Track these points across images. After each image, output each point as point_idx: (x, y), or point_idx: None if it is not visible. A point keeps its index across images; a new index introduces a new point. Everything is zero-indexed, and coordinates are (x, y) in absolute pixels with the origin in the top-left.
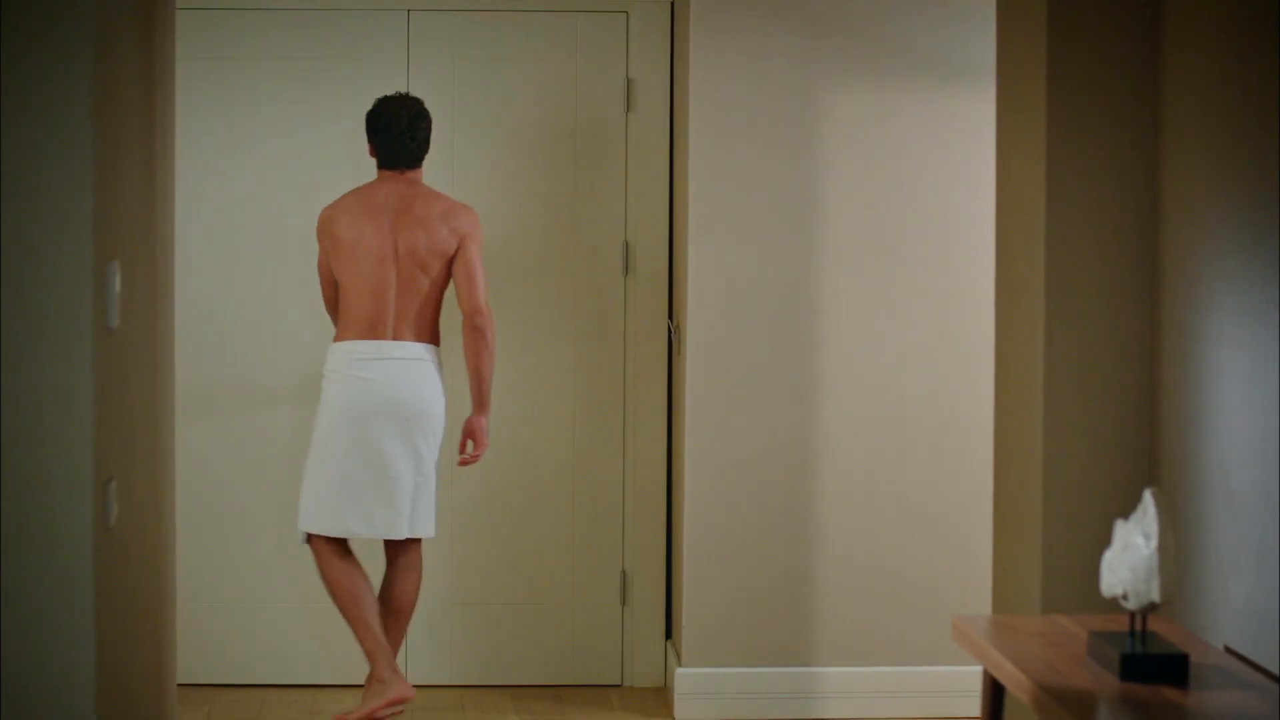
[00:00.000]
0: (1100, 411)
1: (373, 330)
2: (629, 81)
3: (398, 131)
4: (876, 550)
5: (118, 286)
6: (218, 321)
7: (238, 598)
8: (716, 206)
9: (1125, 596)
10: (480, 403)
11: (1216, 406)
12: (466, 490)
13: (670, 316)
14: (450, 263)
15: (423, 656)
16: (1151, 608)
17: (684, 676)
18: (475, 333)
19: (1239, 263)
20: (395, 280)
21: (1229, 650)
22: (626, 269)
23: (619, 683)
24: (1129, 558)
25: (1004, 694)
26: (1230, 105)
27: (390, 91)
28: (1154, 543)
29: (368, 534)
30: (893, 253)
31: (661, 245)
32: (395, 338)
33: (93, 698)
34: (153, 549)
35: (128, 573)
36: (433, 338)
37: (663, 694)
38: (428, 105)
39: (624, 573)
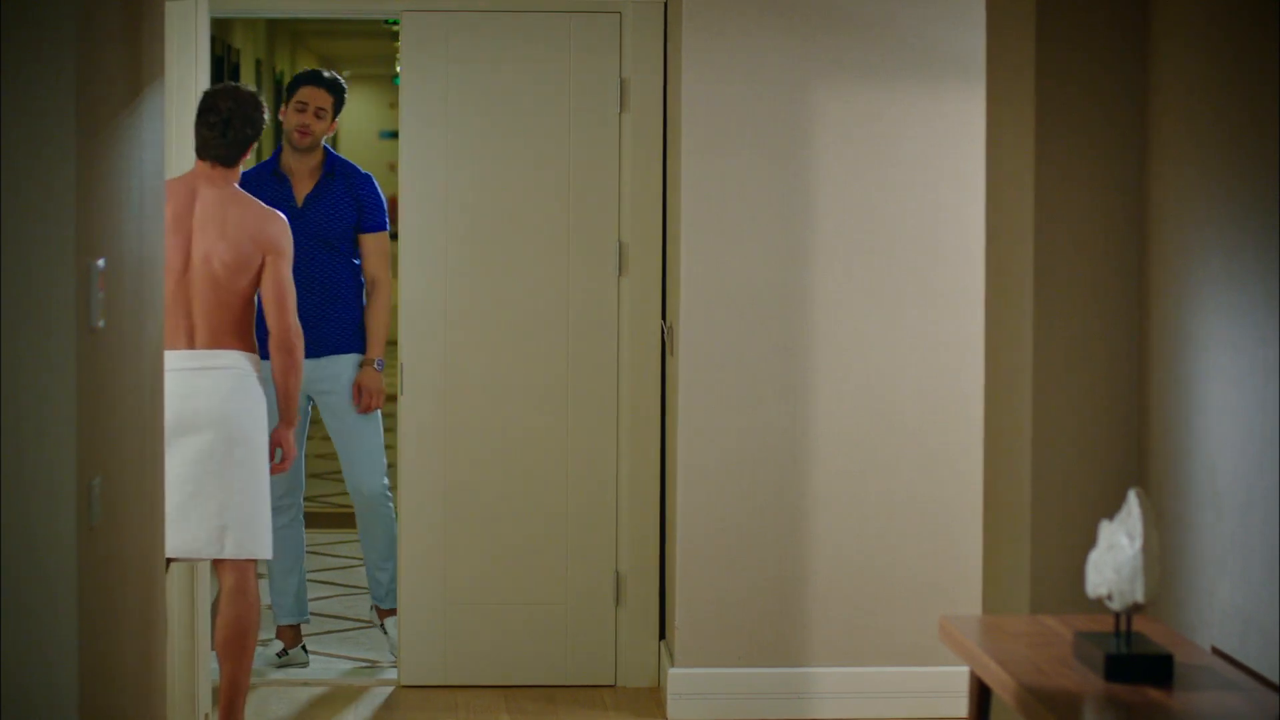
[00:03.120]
0: (1088, 411)
1: (182, 338)
2: (623, 81)
3: (209, 123)
4: (868, 550)
5: (101, 287)
6: None
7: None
8: (709, 206)
9: (1110, 597)
10: (286, 416)
11: (1204, 407)
12: (459, 490)
13: (663, 317)
14: (257, 276)
15: (415, 656)
16: (1136, 608)
17: (677, 676)
18: (284, 353)
19: (1227, 263)
20: (193, 291)
21: (1216, 651)
22: (620, 269)
23: (612, 683)
24: (1113, 558)
25: (990, 695)
26: (1220, 104)
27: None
28: (1138, 543)
29: (175, 553)
30: (884, 252)
31: (655, 245)
32: (197, 345)
33: (76, 702)
34: (139, 550)
35: (113, 574)
36: (245, 345)
37: (655, 694)
38: (421, 104)
39: (618, 573)
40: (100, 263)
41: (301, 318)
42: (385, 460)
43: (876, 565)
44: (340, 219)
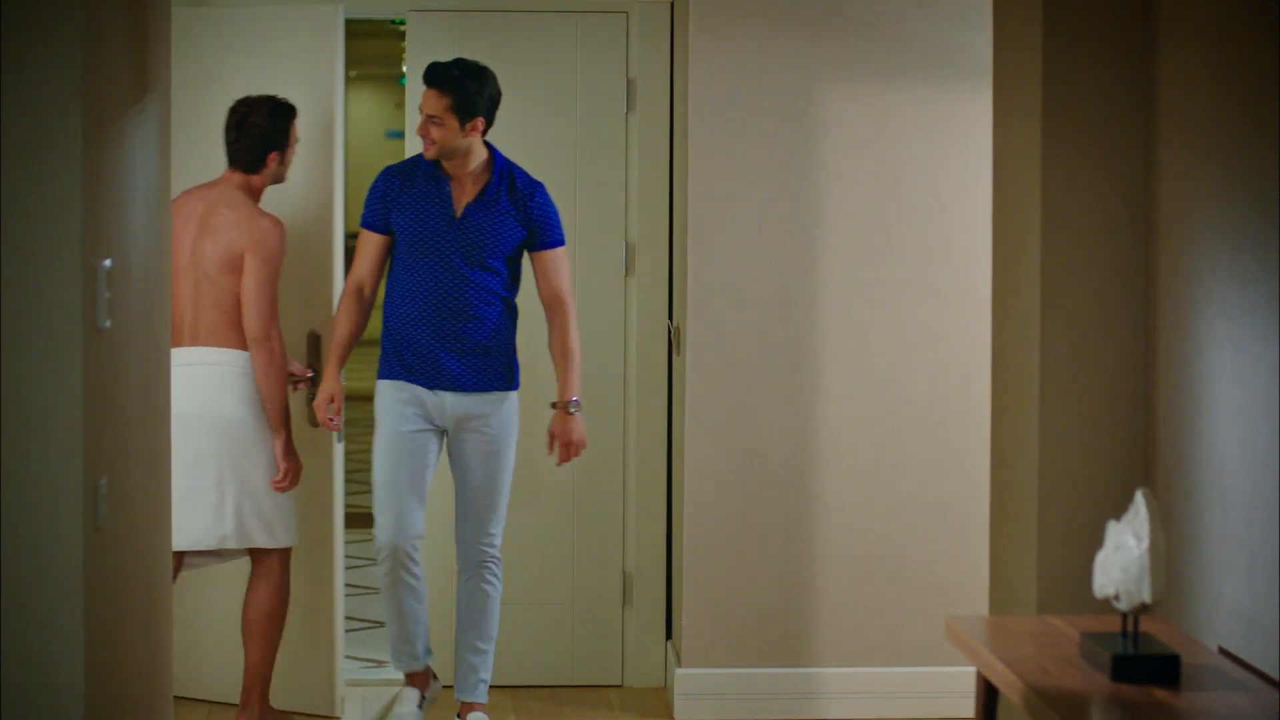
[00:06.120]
0: (1095, 412)
1: (179, 336)
2: (629, 82)
3: (227, 128)
4: (875, 550)
5: (108, 288)
6: None
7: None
8: (715, 206)
9: (1117, 597)
10: (274, 423)
11: (1210, 407)
12: None
13: (670, 316)
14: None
15: None
16: (1143, 608)
17: (683, 677)
18: (257, 349)
19: (1233, 263)
20: (188, 290)
21: (1223, 651)
22: (627, 269)
23: (619, 683)
24: (1120, 558)
25: (997, 695)
26: (1225, 104)
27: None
28: (1145, 543)
29: (179, 544)
30: (890, 252)
31: (662, 245)
32: (194, 343)
33: (82, 699)
34: (146, 550)
35: (119, 573)
36: (240, 343)
37: (662, 694)
38: None
39: (625, 573)
40: (106, 263)
41: (443, 345)
42: (503, 519)
43: (883, 565)
44: (502, 237)
